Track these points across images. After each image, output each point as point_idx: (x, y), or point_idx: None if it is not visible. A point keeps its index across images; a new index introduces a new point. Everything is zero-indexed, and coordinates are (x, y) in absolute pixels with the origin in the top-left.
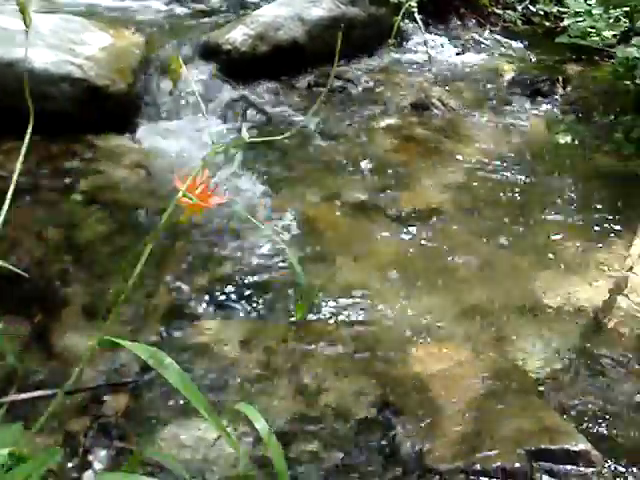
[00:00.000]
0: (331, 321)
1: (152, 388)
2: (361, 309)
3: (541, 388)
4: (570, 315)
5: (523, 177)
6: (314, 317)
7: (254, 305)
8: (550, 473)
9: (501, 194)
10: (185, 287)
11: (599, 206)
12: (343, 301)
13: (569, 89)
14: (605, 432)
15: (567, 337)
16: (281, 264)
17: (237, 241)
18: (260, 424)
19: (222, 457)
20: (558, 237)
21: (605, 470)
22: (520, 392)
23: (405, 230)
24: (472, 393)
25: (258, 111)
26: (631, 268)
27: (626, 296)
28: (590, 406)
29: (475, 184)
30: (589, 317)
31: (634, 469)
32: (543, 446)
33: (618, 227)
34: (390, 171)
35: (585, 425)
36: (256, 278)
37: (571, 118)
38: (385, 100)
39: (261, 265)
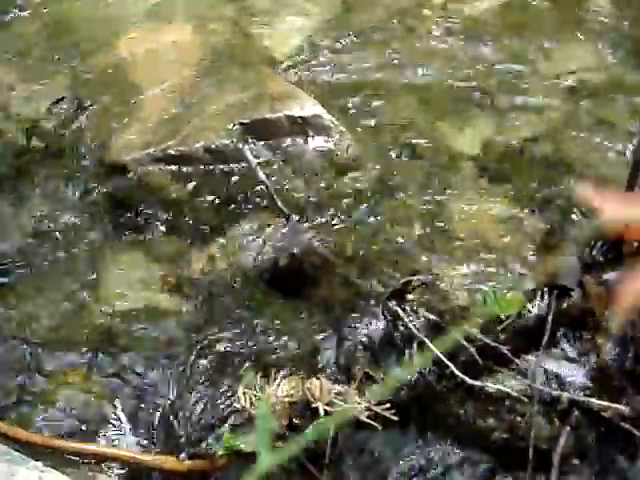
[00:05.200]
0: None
1: None
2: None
3: (277, 63)
4: None
5: None
6: None
7: None
8: (269, 147)
9: None
10: None
11: None
12: None
13: None
14: (345, 104)
15: (320, 14)
16: None
17: None
18: None
19: None
20: None
21: (342, 138)
22: (248, 66)
23: None
24: (186, 71)
25: None
26: None
27: None
28: (330, 79)
29: None
30: None
31: (369, 133)
32: (260, 116)
33: None
34: None
35: (324, 97)
36: None
37: None
38: None
39: None
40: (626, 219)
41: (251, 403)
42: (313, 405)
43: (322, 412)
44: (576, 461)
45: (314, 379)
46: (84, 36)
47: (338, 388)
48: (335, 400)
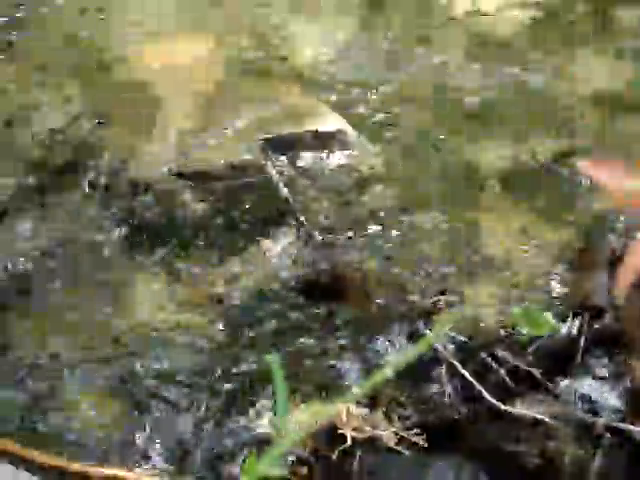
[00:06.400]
0: None
1: None
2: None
3: (299, 75)
4: None
5: None
6: None
7: None
8: (292, 163)
9: None
10: None
11: None
12: None
13: None
14: (369, 118)
15: (342, 25)
16: None
17: None
18: None
19: None
20: None
21: (366, 154)
22: (269, 79)
23: None
24: (205, 85)
25: None
26: None
27: None
28: (353, 92)
29: None
30: None
31: (396, 148)
32: (283, 132)
33: None
34: None
35: (348, 111)
36: None
37: None
38: None
39: None
40: (627, 190)
41: (277, 429)
42: (340, 431)
43: (349, 439)
44: None
45: (340, 403)
46: (102, 50)
47: (365, 413)
48: (363, 426)
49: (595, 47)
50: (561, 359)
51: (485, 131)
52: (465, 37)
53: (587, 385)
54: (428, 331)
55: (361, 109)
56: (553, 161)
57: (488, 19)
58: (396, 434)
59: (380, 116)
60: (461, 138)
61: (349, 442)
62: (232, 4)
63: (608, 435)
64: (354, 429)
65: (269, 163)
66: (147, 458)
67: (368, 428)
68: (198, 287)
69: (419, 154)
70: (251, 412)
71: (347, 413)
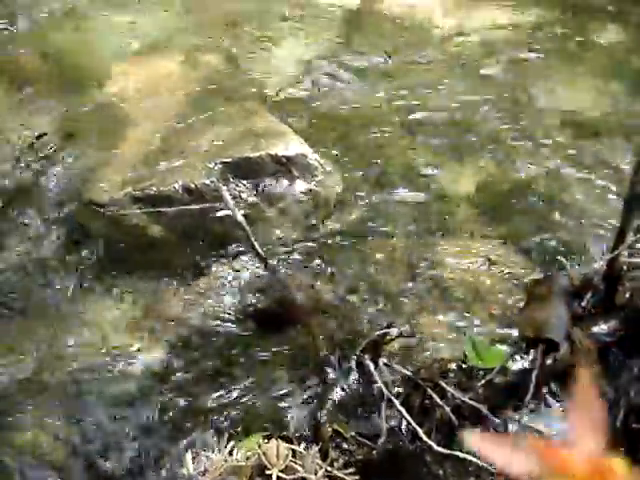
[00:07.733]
0: None
1: None
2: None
3: (268, 98)
4: (330, 15)
5: None
6: None
7: None
8: (253, 187)
9: None
10: None
11: None
12: None
13: None
14: (335, 142)
15: (317, 47)
16: None
17: None
18: None
19: None
20: None
21: (328, 178)
22: (237, 100)
23: None
24: (173, 107)
25: None
26: None
27: None
28: (321, 115)
29: None
30: (349, 13)
31: (359, 172)
32: (243, 155)
33: None
34: None
35: (314, 135)
36: None
37: None
38: None
39: None
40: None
41: (200, 468)
42: (267, 472)
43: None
44: None
45: (272, 440)
46: (77, 70)
47: (299, 449)
48: (293, 464)
49: (565, 70)
50: (513, 393)
51: (453, 154)
52: (440, 57)
53: (540, 420)
54: (372, 364)
55: (329, 133)
56: (523, 187)
57: (463, 39)
58: (329, 474)
59: (347, 139)
60: (431, 162)
61: None
62: (201, 28)
63: None
64: (282, 470)
65: (224, 187)
66: None
67: (299, 468)
68: (149, 313)
69: (384, 179)
70: (182, 446)
71: (276, 451)
